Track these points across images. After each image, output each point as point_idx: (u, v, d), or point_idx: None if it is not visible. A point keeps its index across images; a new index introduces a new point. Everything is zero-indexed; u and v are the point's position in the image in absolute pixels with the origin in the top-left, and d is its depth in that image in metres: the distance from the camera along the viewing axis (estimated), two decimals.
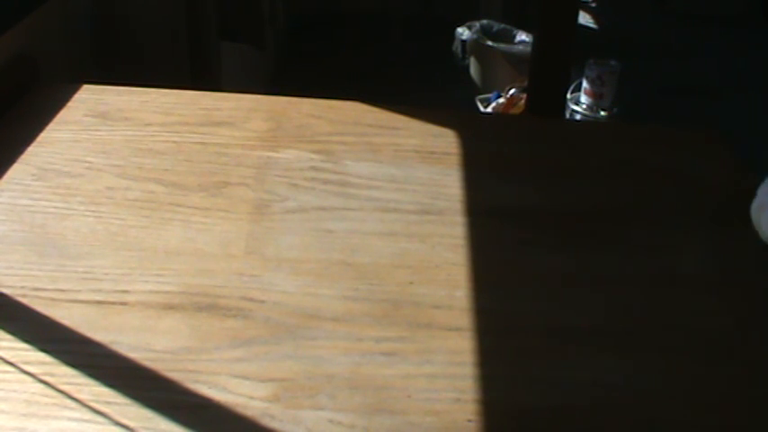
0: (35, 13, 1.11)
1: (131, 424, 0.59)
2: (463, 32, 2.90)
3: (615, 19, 3.55)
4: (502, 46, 2.81)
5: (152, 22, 1.43)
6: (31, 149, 0.93)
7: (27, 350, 0.65)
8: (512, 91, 2.63)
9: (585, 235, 0.83)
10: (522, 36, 2.88)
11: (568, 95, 2.57)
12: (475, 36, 2.86)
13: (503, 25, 2.93)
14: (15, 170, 0.89)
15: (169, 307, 0.71)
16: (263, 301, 0.72)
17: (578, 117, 2.59)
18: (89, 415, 0.60)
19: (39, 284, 0.72)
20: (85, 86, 1.07)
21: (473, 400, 0.63)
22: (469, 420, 0.61)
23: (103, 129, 0.98)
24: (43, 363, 0.64)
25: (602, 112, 2.57)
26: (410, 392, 0.63)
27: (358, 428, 0.60)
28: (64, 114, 1.00)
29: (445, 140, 0.98)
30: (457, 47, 2.94)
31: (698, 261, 0.81)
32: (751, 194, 0.85)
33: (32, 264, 0.75)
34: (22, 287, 0.72)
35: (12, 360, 0.64)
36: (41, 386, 0.62)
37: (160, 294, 0.72)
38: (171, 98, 1.05)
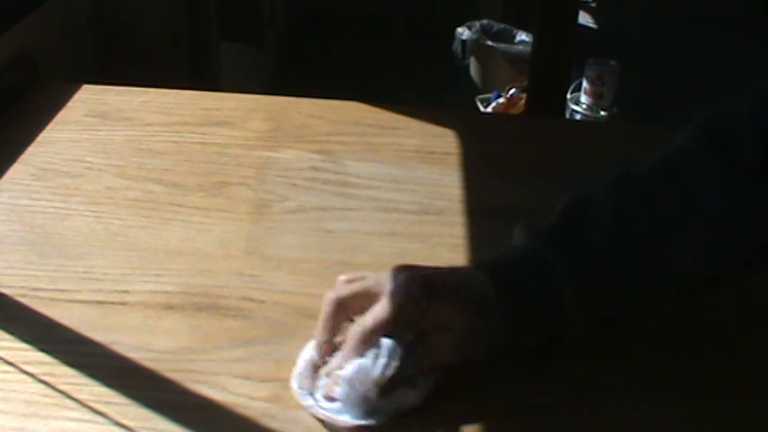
0: (35, 13, 1.11)
1: (131, 424, 0.59)
2: (463, 32, 2.90)
3: (615, 19, 3.54)
4: (502, 46, 2.81)
5: (152, 21, 1.43)
6: (31, 149, 0.93)
7: (27, 350, 0.65)
8: (512, 91, 2.63)
9: None
10: (522, 36, 2.87)
11: (568, 95, 2.57)
12: (475, 36, 2.86)
13: (503, 25, 2.93)
14: (15, 170, 0.89)
15: (169, 307, 0.70)
16: (263, 301, 0.72)
17: (578, 117, 2.58)
18: (89, 415, 0.60)
19: (39, 284, 0.72)
20: (85, 86, 1.07)
21: (473, 400, 0.62)
22: (469, 420, 0.61)
23: (103, 129, 0.98)
24: (43, 363, 0.64)
25: (602, 112, 2.57)
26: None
27: None
28: (64, 114, 1.00)
29: (445, 140, 0.98)
30: (457, 47, 2.94)
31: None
32: None
33: (32, 264, 0.75)
34: (22, 287, 0.72)
35: (12, 360, 0.64)
36: (41, 386, 0.62)
37: (160, 294, 0.72)
38: (171, 98, 1.05)
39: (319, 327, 0.62)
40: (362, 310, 0.60)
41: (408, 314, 0.59)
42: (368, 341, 0.59)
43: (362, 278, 0.63)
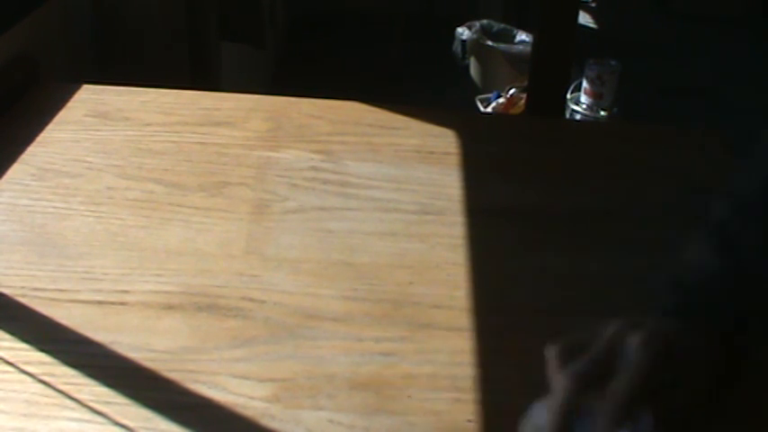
0: (35, 13, 1.11)
1: (131, 424, 0.59)
2: (463, 32, 2.90)
3: (615, 19, 3.54)
4: (502, 46, 2.81)
5: (152, 21, 1.43)
6: (31, 149, 0.93)
7: (27, 350, 0.65)
8: (512, 91, 2.63)
9: (585, 235, 0.83)
10: (522, 36, 2.87)
11: (568, 95, 2.57)
12: (475, 36, 2.86)
13: (503, 25, 2.93)
14: (15, 170, 0.89)
15: (169, 307, 0.71)
16: (263, 301, 0.72)
17: (578, 117, 2.58)
18: (89, 415, 0.60)
19: (39, 284, 0.72)
20: (85, 86, 1.07)
21: (473, 400, 0.63)
22: (469, 420, 0.61)
23: (103, 129, 0.98)
24: (43, 363, 0.64)
25: (602, 112, 2.57)
26: (410, 392, 0.63)
27: (358, 428, 0.60)
28: (64, 114, 1.00)
29: (445, 140, 0.98)
30: (457, 47, 2.94)
31: None
32: None
33: (32, 264, 0.75)
34: (22, 287, 0.72)
35: (12, 360, 0.64)
36: (41, 386, 0.62)
37: (160, 294, 0.72)
38: (171, 98, 1.05)
39: (558, 406, 0.54)
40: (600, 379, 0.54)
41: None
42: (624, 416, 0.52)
43: (585, 345, 0.56)
